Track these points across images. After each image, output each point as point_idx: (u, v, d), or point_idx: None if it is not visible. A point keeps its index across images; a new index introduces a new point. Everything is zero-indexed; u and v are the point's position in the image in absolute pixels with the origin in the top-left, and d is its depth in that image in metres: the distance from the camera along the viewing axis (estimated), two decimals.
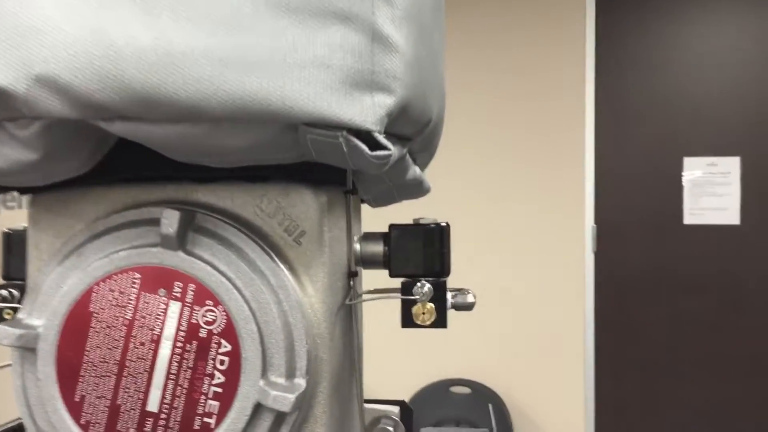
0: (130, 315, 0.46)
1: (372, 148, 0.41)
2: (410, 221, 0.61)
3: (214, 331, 0.45)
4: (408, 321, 0.54)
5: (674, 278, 2.81)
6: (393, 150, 0.41)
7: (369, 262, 0.56)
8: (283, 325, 0.46)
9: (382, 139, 0.40)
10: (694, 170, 2.73)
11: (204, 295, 0.46)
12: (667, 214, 2.72)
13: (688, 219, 2.71)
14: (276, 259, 0.48)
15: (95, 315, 0.46)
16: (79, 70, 0.39)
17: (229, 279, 0.46)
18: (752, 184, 2.66)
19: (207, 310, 0.46)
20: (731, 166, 2.70)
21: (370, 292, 0.56)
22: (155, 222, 0.47)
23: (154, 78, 0.38)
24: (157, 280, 0.46)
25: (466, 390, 2.78)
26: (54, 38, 0.39)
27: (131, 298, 0.46)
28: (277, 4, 0.39)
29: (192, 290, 0.46)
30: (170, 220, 0.45)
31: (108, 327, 0.46)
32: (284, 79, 0.39)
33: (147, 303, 0.46)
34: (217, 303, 0.45)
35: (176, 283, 0.46)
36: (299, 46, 0.39)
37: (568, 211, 2.81)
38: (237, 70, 0.39)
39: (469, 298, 0.56)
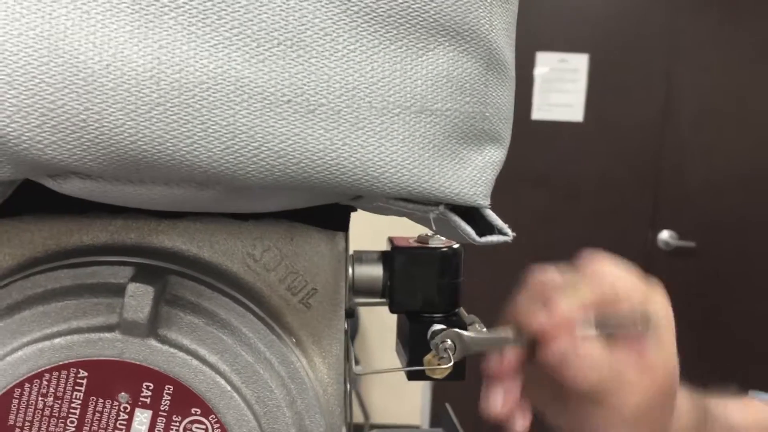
0: (74, 430, 0.31)
1: (476, 224, 0.28)
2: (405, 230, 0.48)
3: None
4: (416, 374, 0.43)
5: (519, 173, 2.85)
6: (510, 234, 0.28)
7: (363, 291, 0.43)
8: None
9: (496, 219, 0.28)
10: (545, 66, 2.73)
11: (187, 399, 0.32)
12: (517, 109, 2.72)
13: (536, 114, 2.73)
14: (285, 338, 0.34)
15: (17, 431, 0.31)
16: (18, 109, 0.22)
17: (222, 375, 0.32)
18: (598, 82, 2.71)
19: (192, 422, 0.32)
20: (580, 62, 2.73)
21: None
22: (105, 289, 0.32)
23: (153, 126, 0.23)
24: (115, 379, 0.31)
25: None
26: None
27: (74, 405, 0.31)
28: (360, 13, 0.24)
29: (169, 393, 0.32)
30: (139, 301, 0.30)
31: None
32: (366, 133, 0.25)
33: (100, 413, 0.31)
34: (207, 411, 0.32)
35: (145, 384, 0.31)
36: (391, 79, 0.25)
37: None
38: (293, 117, 0.24)
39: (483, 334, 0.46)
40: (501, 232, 0.28)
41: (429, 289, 0.44)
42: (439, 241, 0.45)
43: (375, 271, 0.43)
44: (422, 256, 0.43)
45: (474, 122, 0.27)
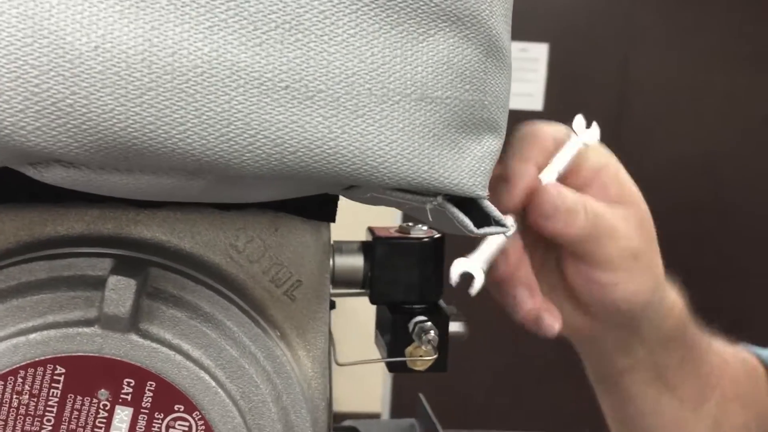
0: (50, 430, 0.30)
1: (473, 215, 0.27)
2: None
3: None
4: (397, 365, 0.43)
5: None
6: (509, 226, 0.27)
7: (343, 282, 0.42)
8: (285, 429, 0.32)
9: (494, 210, 0.27)
10: None
11: (170, 396, 0.30)
12: None
13: None
14: (269, 331, 0.33)
15: None
16: (1, 94, 0.21)
17: (206, 370, 0.31)
18: (557, 71, 2.74)
19: (175, 419, 0.31)
20: (540, 52, 2.75)
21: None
22: (83, 282, 0.30)
23: (144, 112, 0.21)
24: (94, 376, 0.30)
25: None
26: None
27: (51, 404, 0.30)
28: None
29: (151, 390, 0.30)
30: (120, 295, 0.29)
31: None
32: (366, 120, 0.24)
33: (78, 411, 0.30)
34: (190, 407, 0.31)
35: (126, 380, 0.30)
36: (391, 65, 0.24)
37: None
38: (290, 104, 0.23)
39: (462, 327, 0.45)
40: (498, 223, 0.27)
41: (411, 280, 0.43)
42: (421, 231, 0.44)
43: (356, 262, 0.42)
44: (404, 246, 0.43)
45: (473, 111, 0.26)
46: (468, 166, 0.26)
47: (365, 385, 2.63)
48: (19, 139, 0.21)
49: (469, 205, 0.27)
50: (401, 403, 2.56)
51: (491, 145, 0.27)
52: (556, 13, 2.70)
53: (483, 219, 0.28)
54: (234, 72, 0.22)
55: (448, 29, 0.25)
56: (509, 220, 0.39)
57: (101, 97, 0.21)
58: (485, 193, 0.27)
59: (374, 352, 0.46)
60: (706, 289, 2.46)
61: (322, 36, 0.23)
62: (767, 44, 2.48)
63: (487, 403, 2.62)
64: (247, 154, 0.23)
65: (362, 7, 0.23)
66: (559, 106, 2.73)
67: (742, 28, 2.47)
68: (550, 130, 0.51)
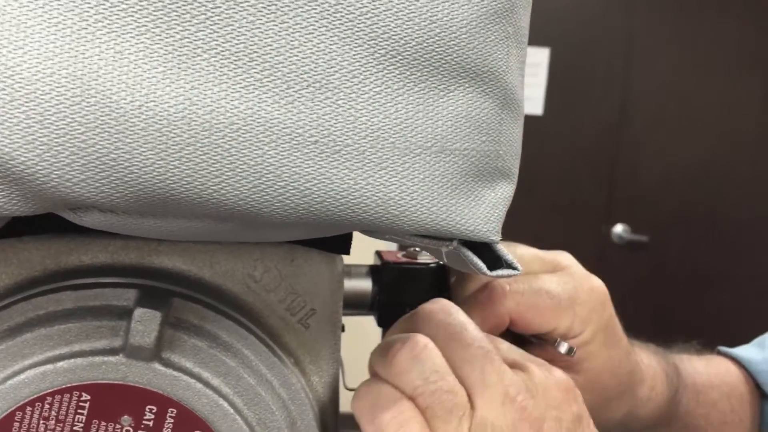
0: None
1: (485, 257, 0.29)
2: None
3: None
4: None
5: None
6: (520, 268, 0.29)
7: (352, 305, 0.44)
8: None
9: (506, 253, 0.28)
10: None
11: (189, 422, 0.32)
12: None
13: None
14: (284, 359, 0.34)
15: None
16: (49, 147, 0.22)
17: (225, 398, 0.32)
18: (558, 75, 2.74)
19: None
20: (541, 57, 2.76)
21: None
22: (108, 311, 0.32)
23: (183, 166, 0.23)
24: (118, 402, 0.31)
25: None
26: (5, 91, 0.21)
27: (76, 429, 0.31)
28: (387, 56, 0.24)
29: (172, 416, 0.32)
30: (146, 326, 0.30)
31: None
32: (389, 173, 0.25)
33: None
34: None
35: (148, 407, 0.31)
36: (414, 120, 0.25)
37: None
38: (319, 157, 0.24)
39: None
40: (510, 266, 0.28)
41: (418, 304, 0.44)
42: (428, 257, 0.45)
43: (364, 285, 0.44)
44: (412, 271, 0.44)
45: (489, 160, 0.27)
46: (483, 213, 0.27)
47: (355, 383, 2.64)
48: (64, 190, 0.22)
49: (481, 247, 0.29)
50: None
51: (504, 191, 0.28)
52: (557, 17, 2.71)
53: (495, 261, 0.29)
54: (267, 128, 0.23)
55: (467, 84, 0.26)
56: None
57: (143, 152, 0.22)
58: (498, 237, 0.28)
59: None
60: (699, 301, 2.46)
61: (350, 94, 0.24)
62: None
63: None
64: (277, 204, 0.24)
65: (388, 66, 0.24)
66: (560, 111, 2.74)
67: (743, 34, 2.48)
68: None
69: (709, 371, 0.62)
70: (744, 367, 0.64)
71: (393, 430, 0.31)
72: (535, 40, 2.73)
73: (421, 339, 0.33)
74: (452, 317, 0.34)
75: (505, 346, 0.35)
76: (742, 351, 0.66)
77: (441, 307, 0.35)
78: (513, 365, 0.33)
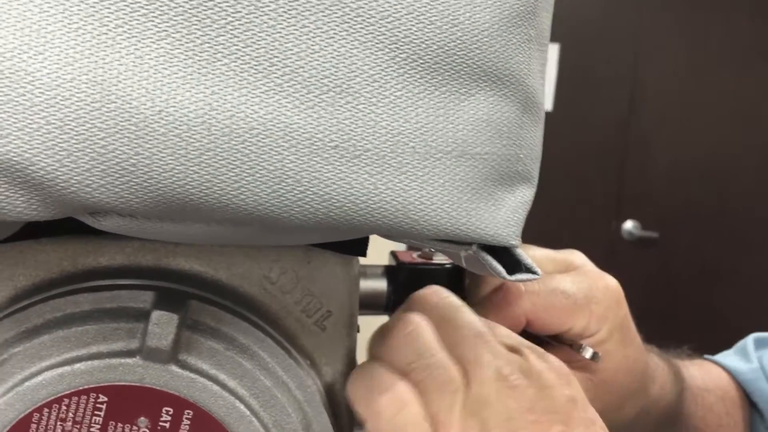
0: None
1: (504, 261, 0.28)
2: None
3: None
4: None
5: None
6: (539, 272, 0.28)
7: (367, 305, 0.43)
8: None
9: (525, 258, 0.28)
10: None
11: (206, 424, 0.32)
12: None
13: None
14: (300, 361, 0.34)
15: None
16: (69, 153, 0.22)
17: (241, 400, 0.32)
18: (567, 72, 2.73)
19: None
20: (550, 53, 2.74)
21: None
22: (125, 314, 0.32)
23: (202, 171, 0.23)
24: (135, 404, 0.31)
25: None
26: (25, 97, 0.21)
27: (93, 430, 0.31)
28: (408, 60, 0.24)
29: (188, 418, 0.32)
30: (163, 329, 0.30)
31: None
32: (409, 177, 0.25)
33: None
34: None
35: (165, 409, 0.31)
36: (434, 124, 0.25)
37: None
38: (339, 162, 0.24)
39: None
40: (529, 270, 0.28)
41: None
42: (443, 257, 0.45)
43: (379, 286, 0.44)
44: (427, 272, 0.44)
45: (509, 164, 0.27)
46: (503, 217, 0.27)
47: None
48: (84, 195, 0.22)
49: (501, 251, 0.29)
50: None
51: (524, 195, 0.28)
52: (566, 13, 2.70)
53: (514, 265, 0.29)
54: (287, 133, 0.23)
55: (488, 88, 0.26)
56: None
57: (163, 157, 0.22)
58: (518, 241, 0.28)
59: None
60: (709, 297, 2.45)
61: (370, 98, 0.24)
62: None
63: None
64: (296, 209, 0.24)
65: (409, 70, 0.24)
66: (569, 107, 2.73)
67: (753, 29, 2.47)
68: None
69: (703, 375, 0.62)
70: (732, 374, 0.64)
71: (391, 413, 0.31)
72: None
73: (415, 317, 0.33)
74: (445, 300, 0.35)
75: (504, 331, 0.35)
76: (727, 360, 0.66)
77: (434, 290, 0.36)
78: (509, 349, 0.33)
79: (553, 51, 2.76)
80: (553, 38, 2.64)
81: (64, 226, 0.32)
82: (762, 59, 2.51)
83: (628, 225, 2.49)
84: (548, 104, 2.75)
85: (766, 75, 2.52)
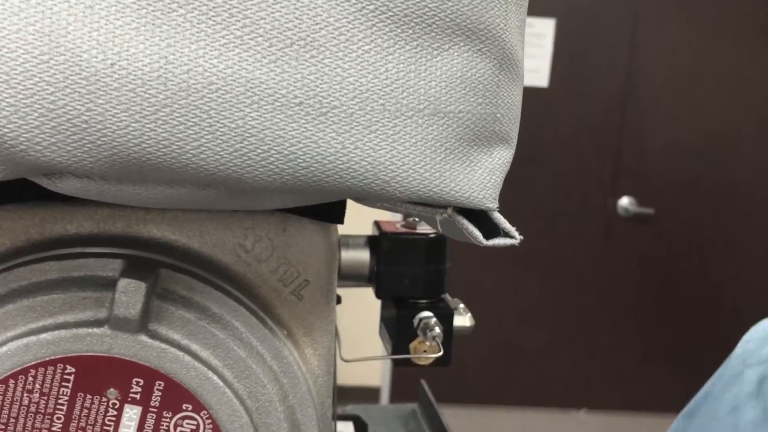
0: (60, 428, 0.30)
1: (482, 225, 0.27)
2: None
3: None
4: (403, 361, 0.43)
5: None
6: (517, 237, 0.27)
7: (349, 276, 0.43)
8: (291, 428, 0.33)
9: (503, 221, 0.27)
10: None
11: (178, 395, 0.31)
12: None
13: None
14: (277, 331, 0.33)
15: (1, 428, 0.30)
16: (16, 109, 0.21)
17: (214, 370, 0.31)
18: (564, 47, 2.71)
19: (183, 418, 0.31)
20: (546, 28, 2.72)
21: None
22: (93, 282, 0.31)
23: (159, 128, 0.22)
24: (104, 375, 0.30)
25: None
26: None
27: (61, 402, 0.30)
28: (376, 12, 0.23)
29: (159, 389, 0.31)
30: (130, 297, 0.29)
31: None
32: (379, 136, 0.24)
33: (88, 409, 0.30)
34: (198, 407, 0.31)
35: (135, 380, 0.30)
36: (405, 81, 0.24)
37: None
38: (304, 120, 0.23)
39: (467, 320, 0.46)
40: (507, 235, 0.27)
41: (416, 275, 0.43)
42: (427, 227, 0.44)
43: (362, 256, 0.43)
44: (411, 241, 0.43)
45: (485, 124, 0.26)
46: (479, 179, 0.26)
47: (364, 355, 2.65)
48: (34, 154, 0.21)
49: (478, 215, 0.28)
50: (401, 377, 2.58)
51: (502, 156, 0.27)
52: None
53: (492, 229, 0.28)
54: (248, 89, 0.22)
55: (462, 43, 0.25)
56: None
57: (116, 113, 0.21)
58: (495, 205, 0.27)
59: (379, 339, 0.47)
60: (705, 273, 2.45)
61: (336, 53, 0.23)
62: None
63: (481, 379, 2.64)
64: (260, 169, 0.23)
65: (378, 23, 0.23)
66: (565, 82, 2.71)
67: (750, 3, 2.44)
68: None
69: None
70: None
71: None
72: (540, 10, 2.69)
73: None
74: None
75: None
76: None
77: None
78: None
79: (549, 26, 2.73)
80: (549, 13, 2.62)
81: (32, 192, 0.31)
82: (760, 33, 2.49)
83: (624, 201, 2.48)
84: (544, 80, 2.73)
85: (765, 49, 2.50)
